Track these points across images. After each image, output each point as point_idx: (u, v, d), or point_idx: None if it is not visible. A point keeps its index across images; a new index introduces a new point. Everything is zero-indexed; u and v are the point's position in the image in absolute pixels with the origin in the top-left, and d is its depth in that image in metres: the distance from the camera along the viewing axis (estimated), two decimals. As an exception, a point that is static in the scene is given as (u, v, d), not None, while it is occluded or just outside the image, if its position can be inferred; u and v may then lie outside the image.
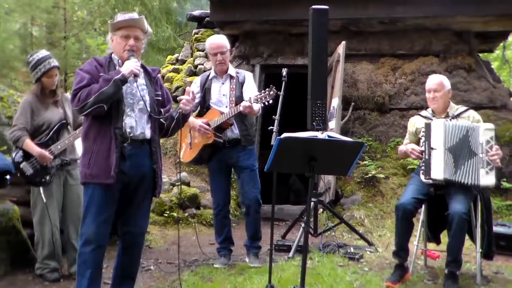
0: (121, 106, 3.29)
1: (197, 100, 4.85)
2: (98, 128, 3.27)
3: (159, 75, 3.64)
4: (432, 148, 4.18)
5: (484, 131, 4.13)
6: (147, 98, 3.39)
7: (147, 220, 3.64)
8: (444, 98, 4.36)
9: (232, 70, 4.86)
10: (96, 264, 3.28)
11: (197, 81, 5.00)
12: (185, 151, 4.97)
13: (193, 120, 4.75)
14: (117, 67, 3.36)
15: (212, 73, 4.88)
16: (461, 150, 4.13)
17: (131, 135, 3.31)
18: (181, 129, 3.64)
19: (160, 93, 3.53)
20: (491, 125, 4.19)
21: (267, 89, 4.42)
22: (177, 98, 3.52)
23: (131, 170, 3.29)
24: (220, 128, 4.70)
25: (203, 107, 4.86)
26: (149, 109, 3.36)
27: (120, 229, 3.49)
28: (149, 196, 3.50)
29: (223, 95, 4.79)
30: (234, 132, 4.73)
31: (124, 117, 3.29)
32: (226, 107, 4.73)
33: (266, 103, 4.46)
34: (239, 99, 4.66)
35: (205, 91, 4.84)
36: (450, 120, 4.28)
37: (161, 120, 3.46)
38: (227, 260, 4.82)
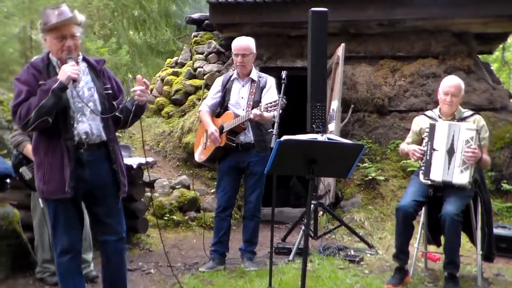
0: (69, 114, 3.08)
1: (217, 100, 4.87)
2: (47, 141, 3.08)
3: (105, 66, 3.37)
4: (434, 149, 4.18)
5: (465, 131, 4.12)
6: (95, 96, 3.18)
7: (123, 224, 3.38)
8: (458, 102, 4.32)
9: (254, 74, 4.83)
10: (77, 271, 3.24)
11: (219, 80, 4.99)
12: (200, 151, 4.97)
13: (208, 123, 4.76)
14: (57, 70, 3.09)
15: (235, 74, 4.87)
16: (452, 150, 4.15)
17: (88, 140, 3.13)
18: (140, 119, 3.38)
19: (109, 85, 3.29)
20: (473, 125, 4.16)
21: (277, 99, 4.35)
22: (130, 90, 3.35)
23: (91, 177, 3.15)
24: (233, 132, 4.68)
25: (221, 107, 4.85)
26: (99, 108, 3.16)
27: (98, 238, 3.36)
28: (117, 198, 3.31)
29: (242, 97, 4.77)
30: (247, 136, 4.70)
31: (75, 125, 3.10)
32: (243, 110, 4.69)
33: (277, 112, 4.39)
34: (257, 104, 4.58)
35: (226, 91, 4.83)
36: (456, 122, 4.26)
37: (116, 114, 3.24)
38: (216, 265, 4.73)
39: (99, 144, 3.19)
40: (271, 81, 4.83)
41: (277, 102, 4.28)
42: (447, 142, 4.15)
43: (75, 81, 3.02)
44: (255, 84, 4.77)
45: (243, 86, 4.81)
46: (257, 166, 4.72)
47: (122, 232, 3.35)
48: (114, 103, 3.28)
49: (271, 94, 4.70)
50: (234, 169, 4.82)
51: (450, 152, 4.14)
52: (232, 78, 4.86)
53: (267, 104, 4.39)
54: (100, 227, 3.31)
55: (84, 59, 3.25)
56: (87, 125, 3.14)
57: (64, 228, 3.15)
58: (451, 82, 4.31)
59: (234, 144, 4.69)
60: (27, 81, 3.04)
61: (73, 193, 3.07)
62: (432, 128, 4.23)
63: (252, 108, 4.56)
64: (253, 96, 4.73)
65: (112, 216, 3.29)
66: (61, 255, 3.18)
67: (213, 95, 4.93)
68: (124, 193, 3.33)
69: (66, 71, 2.99)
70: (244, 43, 4.77)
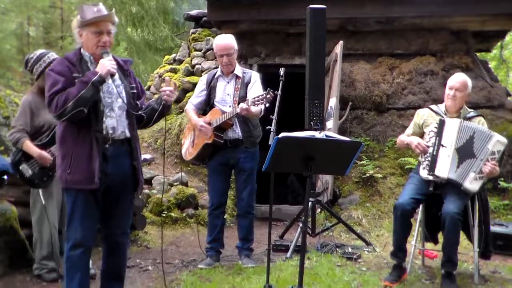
0: (99, 107, 3.17)
1: (202, 98, 4.87)
2: (77, 131, 3.15)
3: (131, 66, 3.53)
4: (442, 145, 4.15)
5: (496, 142, 4.08)
6: (123, 94, 3.29)
7: (130, 219, 3.54)
8: (463, 99, 4.32)
9: (238, 70, 4.84)
10: (85, 267, 3.26)
11: (203, 78, 5.00)
12: (187, 149, 4.97)
13: (195, 118, 4.76)
14: (89, 64, 3.23)
15: (219, 72, 4.87)
16: (465, 150, 4.12)
17: (113, 136, 3.22)
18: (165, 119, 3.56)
19: (134, 85, 3.42)
20: (505, 140, 4.13)
21: (264, 92, 4.40)
22: (159, 89, 3.48)
23: (113, 171, 3.22)
24: (221, 128, 4.68)
25: (207, 105, 4.85)
26: (126, 106, 3.27)
27: (103, 231, 3.41)
28: (132, 194, 3.43)
29: (227, 94, 4.77)
30: (236, 132, 4.71)
31: (104, 119, 3.19)
32: (230, 106, 4.69)
33: (263, 106, 4.44)
34: (243, 99, 4.59)
35: (211, 89, 4.83)
36: (464, 120, 4.24)
37: (144, 112, 3.40)
38: (213, 261, 4.77)
39: (122, 141, 3.28)
40: (255, 76, 4.87)
41: (264, 96, 4.33)
42: (457, 141, 4.12)
43: (113, 75, 3.16)
44: (240, 80, 4.78)
45: (228, 83, 4.82)
46: (247, 162, 4.74)
47: (128, 227, 3.48)
48: (138, 102, 3.42)
49: (256, 89, 4.73)
50: (224, 166, 4.82)
51: (465, 153, 4.10)
52: (216, 76, 4.87)
53: (254, 98, 4.42)
54: (109, 220, 3.37)
55: (113, 58, 3.31)
56: (115, 120, 3.24)
57: (80, 220, 3.19)
58: (457, 78, 4.35)
59: (222, 141, 4.69)
60: (62, 72, 3.12)
61: (99, 183, 3.13)
62: (442, 124, 4.20)
63: (239, 104, 4.57)
64: (238, 92, 4.74)
65: (124, 212, 3.41)
66: (73, 248, 3.20)
67: (198, 94, 4.93)
68: (141, 191, 3.47)
69: (106, 65, 3.12)
70: (226, 42, 4.78)
